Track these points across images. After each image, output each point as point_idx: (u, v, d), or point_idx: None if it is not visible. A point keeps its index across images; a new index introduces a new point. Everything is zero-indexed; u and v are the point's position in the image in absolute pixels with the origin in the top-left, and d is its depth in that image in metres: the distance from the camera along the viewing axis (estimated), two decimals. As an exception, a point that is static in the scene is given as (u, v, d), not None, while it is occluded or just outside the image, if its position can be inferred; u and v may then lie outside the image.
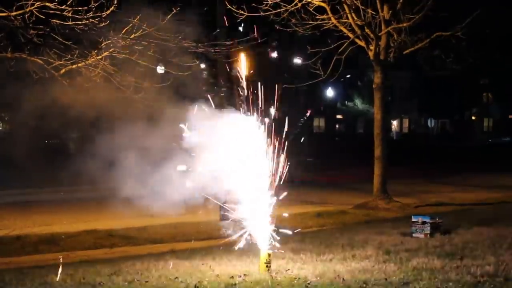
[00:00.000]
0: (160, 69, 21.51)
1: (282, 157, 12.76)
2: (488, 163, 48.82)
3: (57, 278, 12.10)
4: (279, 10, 23.88)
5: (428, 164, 47.85)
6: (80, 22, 18.69)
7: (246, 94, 12.56)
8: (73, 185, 29.01)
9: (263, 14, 23.79)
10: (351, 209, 24.73)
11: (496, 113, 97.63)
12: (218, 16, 22.38)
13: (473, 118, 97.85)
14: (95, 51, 19.40)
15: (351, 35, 25.12)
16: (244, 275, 12.07)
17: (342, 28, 25.01)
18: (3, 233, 18.85)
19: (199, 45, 20.06)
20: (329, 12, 24.50)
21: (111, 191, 15.63)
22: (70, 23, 18.66)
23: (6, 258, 16.18)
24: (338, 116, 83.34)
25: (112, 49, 19.44)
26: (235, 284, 11.39)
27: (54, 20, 18.59)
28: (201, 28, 20.66)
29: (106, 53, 19.51)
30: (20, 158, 23.22)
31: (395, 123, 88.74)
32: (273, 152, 12.64)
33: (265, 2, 23.63)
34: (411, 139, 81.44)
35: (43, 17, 18.50)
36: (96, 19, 18.67)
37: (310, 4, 24.25)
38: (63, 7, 18.26)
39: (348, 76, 57.10)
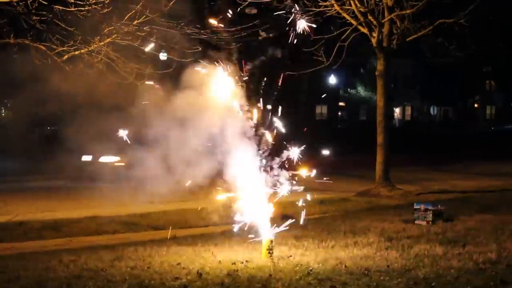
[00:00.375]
0: (163, 56, 21.50)
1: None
2: (490, 151, 48.78)
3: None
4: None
5: (430, 151, 47.83)
6: (82, 8, 18.69)
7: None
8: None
9: (266, 0, 23.74)
10: (353, 196, 24.74)
11: (499, 101, 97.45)
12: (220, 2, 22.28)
13: (476, 105, 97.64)
14: (98, 37, 19.37)
15: (354, 22, 25.07)
16: (246, 261, 12.10)
17: (345, 15, 24.97)
18: (6, 219, 18.88)
19: (202, 31, 20.03)
20: (332, -1, 24.45)
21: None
22: (72, 9, 18.66)
23: (9, 244, 16.21)
24: (341, 104, 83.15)
25: (115, 35, 19.42)
26: (237, 270, 11.42)
27: (57, 6, 18.59)
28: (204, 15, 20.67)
29: (108, 39, 19.50)
30: (22, 145, 23.30)
31: (397, 110, 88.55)
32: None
33: (268, -11, 23.60)
34: (414, 127, 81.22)
35: (46, 3, 18.49)
36: (99, 5, 18.66)
37: (313, -9, 24.21)
38: (66, -7, 18.28)
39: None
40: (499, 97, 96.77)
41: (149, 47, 19.45)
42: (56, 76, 18.73)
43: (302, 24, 13.16)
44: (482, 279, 10.68)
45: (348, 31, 25.56)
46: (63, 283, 10.66)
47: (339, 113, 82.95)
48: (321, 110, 79.40)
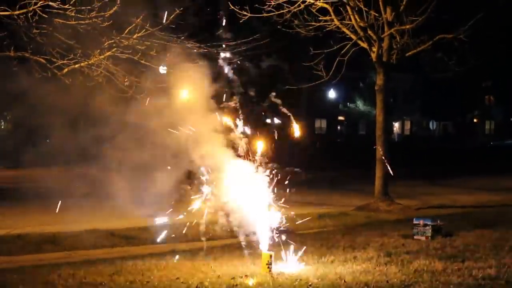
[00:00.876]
0: (163, 69, 21.52)
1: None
2: (489, 166, 48.82)
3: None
4: (282, 11, 23.89)
5: (429, 166, 47.85)
6: (83, 22, 18.71)
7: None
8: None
9: (266, 15, 23.82)
10: (352, 210, 24.73)
11: (498, 115, 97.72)
12: (220, 16, 22.35)
13: (475, 120, 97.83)
14: (98, 51, 19.41)
15: (353, 37, 25.12)
16: (246, 275, 12.10)
17: (344, 29, 25.03)
18: (4, 232, 18.85)
19: (202, 45, 20.07)
20: (332, 14, 24.51)
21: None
22: (73, 22, 18.68)
23: (7, 257, 16.18)
24: (340, 118, 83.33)
25: (115, 49, 19.45)
26: (236, 285, 11.43)
27: (57, 20, 18.61)
28: (204, 29, 20.73)
29: (108, 53, 19.52)
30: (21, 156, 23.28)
31: (397, 125, 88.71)
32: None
33: (268, 3, 23.65)
34: (413, 141, 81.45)
35: (46, 16, 18.51)
36: (99, 19, 18.70)
37: (313, 6, 24.25)
38: (66, 7, 18.28)
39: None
40: (498, 112, 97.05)
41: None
42: (55, 89, 18.81)
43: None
44: (481, 294, 10.70)
45: (347, 46, 25.61)
46: (62, 297, 10.67)
47: (338, 127, 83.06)
48: (320, 124, 79.54)
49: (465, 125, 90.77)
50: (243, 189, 12.66)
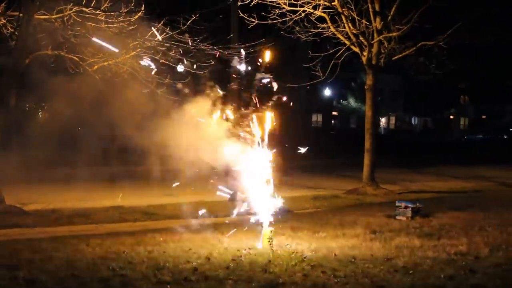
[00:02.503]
0: (180, 68, 21.51)
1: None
2: (463, 156, 48.78)
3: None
4: (285, 19, 23.94)
5: (411, 156, 47.75)
6: (111, 25, 18.73)
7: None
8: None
9: (271, 22, 23.83)
10: (343, 194, 24.71)
11: (471, 113, 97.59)
12: (232, 22, 22.32)
13: (451, 117, 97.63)
14: (124, 51, 19.41)
15: (347, 42, 25.08)
16: (249, 248, 12.12)
17: (339, 36, 24.99)
18: (40, 207, 18.90)
19: (215, 47, 20.05)
20: (328, 22, 24.48)
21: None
22: (103, 26, 18.70)
23: (42, 228, 16.21)
24: (334, 113, 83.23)
25: (139, 49, 19.46)
26: (241, 256, 11.44)
27: (89, 23, 18.62)
28: (217, 33, 20.72)
29: (133, 53, 19.52)
30: (59, 142, 23.27)
31: (383, 120, 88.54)
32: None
33: (273, 12, 23.70)
34: (397, 135, 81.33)
35: (80, 20, 18.53)
36: (126, 23, 18.70)
37: (312, 14, 24.28)
38: (97, 12, 18.30)
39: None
40: (471, 110, 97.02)
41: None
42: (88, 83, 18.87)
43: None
44: (453, 268, 10.69)
45: (342, 50, 25.57)
46: (90, 263, 10.70)
47: (332, 121, 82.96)
48: (317, 118, 79.53)
49: (443, 121, 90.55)
50: (249, 172, 12.61)
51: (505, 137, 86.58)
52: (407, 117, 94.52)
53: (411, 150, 54.23)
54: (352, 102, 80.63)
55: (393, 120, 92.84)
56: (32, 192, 21.60)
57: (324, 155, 39.81)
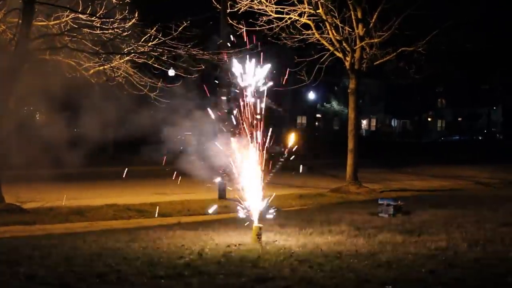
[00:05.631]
0: (171, 72, 21.51)
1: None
2: (440, 157, 48.93)
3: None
4: (272, 25, 23.95)
5: (391, 156, 47.90)
6: (106, 32, 18.70)
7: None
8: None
9: (259, 28, 23.82)
10: (327, 192, 24.73)
11: (448, 115, 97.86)
12: (221, 29, 22.29)
13: (429, 119, 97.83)
14: (119, 56, 19.37)
15: (331, 48, 25.12)
16: (239, 244, 12.09)
17: (323, 42, 25.02)
18: (39, 205, 18.82)
19: (205, 52, 20.03)
20: (313, 29, 24.53)
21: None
22: (98, 32, 18.67)
23: (40, 226, 16.17)
24: (318, 115, 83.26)
25: (133, 54, 19.43)
26: (231, 251, 11.41)
27: (85, 29, 18.57)
28: (207, 39, 20.72)
29: (127, 58, 19.50)
30: (55, 143, 23.12)
31: (364, 122, 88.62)
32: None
33: (260, 19, 23.72)
34: (378, 136, 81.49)
35: (76, 26, 18.48)
36: (120, 29, 18.66)
37: (297, 21, 24.32)
38: (92, 19, 18.26)
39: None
40: (448, 112, 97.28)
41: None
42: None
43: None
44: (434, 263, 10.69)
45: (326, 55, 25.63)
46: (86, 259, 10.63)
47: (316, 123, 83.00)
48: (301, 120, 79.58)
49: (421, 123, 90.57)
50: (241, 172, 12.58)
51: (480, 138, 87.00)
52: (387, 119, 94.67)
53: (391, 150, 54.38)
54: (335, 105, 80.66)
55: (374, 122, 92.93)
56: (31, 191, 21.49)
57: (308, 155, 39.78)
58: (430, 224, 15.22)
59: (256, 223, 12.54)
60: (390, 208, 16.87)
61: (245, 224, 12.87)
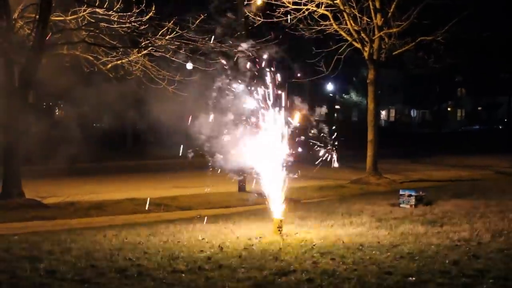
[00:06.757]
0: (189, 65, 21.41)
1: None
2: (459, 147, 48.54)
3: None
4: (289, 17, 23.79)
5: (410, 147, 47.58)
6: (124, 25, 18.65)
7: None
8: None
9: (276, 20, 23.69)
10: (348, 183, 24.60)
11: (467, 105, 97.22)
12: (238, 21, 22.15)
13: (449, 109, 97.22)
14: (136, 50, 19.32)
15: (349, 38, 24.96)
16: (260, 237, 12.00)
17: (341, 32, 24.86)
18: (59, 200, 18.83)
19: (223, 45, 19.92)
20: (331, 19, 24.37)
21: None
22: (115, 26, 18.62)
23: (61, 221, 16.18)
24: (337, 106, 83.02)
25: (150, 48, 19.36)
26: (252, 244, 11.32)
27: (103, 24, 18.54)
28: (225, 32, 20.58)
29: (145, 51, 19.45)
30: (75, 138, 23.17)
31: (383, 112, 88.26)
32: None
33: (278, 10, 23.57)
34: (397, 126, 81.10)
35: (93, 21, 18.46)
36: (138, 23, 18.60)
37: (315, 12, 24.16)
38: (110, 13, 18.22)
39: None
40: (468, 102, 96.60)
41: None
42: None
43: None
44: (457, 254, 10.53)
45: (344, 46, 25.48)
46: (107, 254, 10.58)
47: (335, 115, 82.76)
48: (320, 111, 79.42)
49: (440, 113, 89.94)
50: (263, 166, 12.52)
51: (500, 127, 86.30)
52: (406, 109, 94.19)
53: (410, 141, 54.03)
54: (354, 96, 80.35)
55: (393, 112, 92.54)
56: (50, 186, 21.52)
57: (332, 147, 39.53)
58: (452, 214, 15.03)
59: (276, 216, 12.45)
60: (412, 199, 16.69)
61: (266, 217, 12.78)
